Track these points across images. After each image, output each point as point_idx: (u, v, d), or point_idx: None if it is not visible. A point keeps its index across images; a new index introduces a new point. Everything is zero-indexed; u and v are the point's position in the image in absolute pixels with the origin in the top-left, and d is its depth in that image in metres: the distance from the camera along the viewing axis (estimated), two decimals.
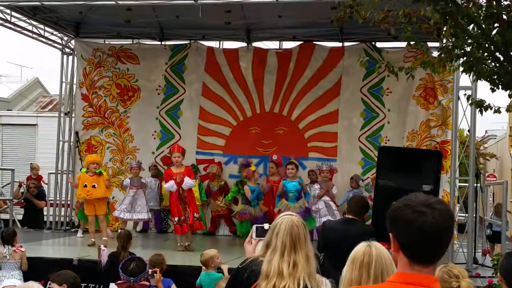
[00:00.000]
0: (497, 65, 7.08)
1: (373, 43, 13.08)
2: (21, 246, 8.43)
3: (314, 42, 13.41)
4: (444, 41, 9.24)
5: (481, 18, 6.66)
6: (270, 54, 13.59)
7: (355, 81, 13.09)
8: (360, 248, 3.30)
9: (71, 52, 14.10)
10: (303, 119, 13.28)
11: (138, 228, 13.04)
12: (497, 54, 6.94)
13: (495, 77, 7.06)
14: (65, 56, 14.11)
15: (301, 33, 13.40)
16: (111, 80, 13.87)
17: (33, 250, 9.37)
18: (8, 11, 12.16)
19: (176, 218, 10.32)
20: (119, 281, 5.96)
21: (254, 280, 3.43)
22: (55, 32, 13.78)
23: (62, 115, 14.06)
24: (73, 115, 14.00)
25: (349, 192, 12.05)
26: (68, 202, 13.77)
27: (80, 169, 13.41)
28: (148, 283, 6.07)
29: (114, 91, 13.84)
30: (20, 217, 14.49)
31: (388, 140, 12.85)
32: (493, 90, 7.19)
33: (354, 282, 3.18)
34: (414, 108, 12.73)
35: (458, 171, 10.50)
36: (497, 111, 7.46)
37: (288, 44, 13.91)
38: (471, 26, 7.10)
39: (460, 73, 9.13)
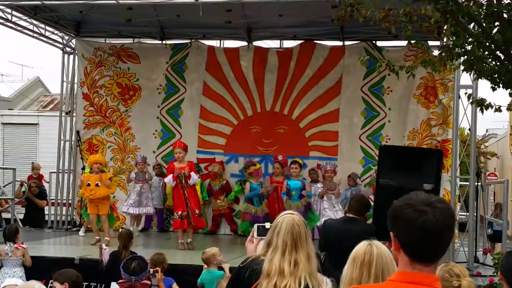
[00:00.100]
0: (498, 63, 7.08)
1: (374, 42, 13.08)
2: (23, 243, 8.46)
3: (314, 41, 13.41)
4: (445, 39, 9.24)
5: (482, 16, 6.66)
6: (270, 53, 13.59)
7: (356, 80, 13.09)
8: (361, 247, 3.31)
9: (72, 51, 14.10)
10: (304, 118, 13.28)
11: (140, 227, 13.03)
12: (498, 52, 6.94)
13: (496, 75, 7.06)
14: (66, 55, 14.11)
15: (301, 32, 13.40)
16: (112, 79, 13.87)
17: (34, 249, 9.38)
18: (9, 10, 12.16)
19: (179, 212, 10.37)
20: (120, 280, 5.96)
21: (255, 279, 3.44)
22: (56, 32, 13.77)
23: (63, 114, 14.07)
24: (74, 114, 14.01)
25: (347, 190, 12.09)
26: (70, 201, 13.78)
27: (82, 169, 13.51)
28: (149, 282, 6.07)
29: (115, 90, 13.85)
30: (21, 216, 14.52)
31: (389, 139, 12.85)
32: (493, 89, 7.19)
33: (355, 281, 3.19)
34: (415, 107, 12.73)
35: (459, 170, 10.49)
36: (498, 109, 7.46)
37: (288, 43, 13.91)
38: (471, 25, 7.10)
39: (461, 72, 9.13)
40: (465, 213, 12.46)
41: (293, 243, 3.41)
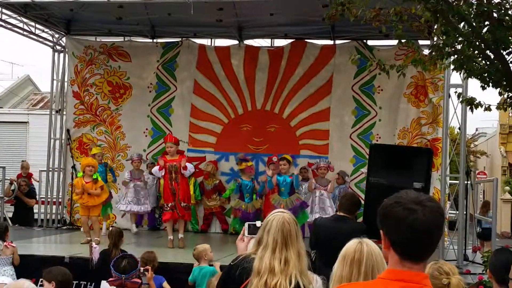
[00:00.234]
0: (488, 63, 7.12)
1: (365, 41, 13.11)
2: (12, 242, 8.42)
3: (305, 40, 13.42)
4: (435, 39, 9.25)
5: (472, 16, 6.69)
6: (261, 52, 13.59)
7: (347, 79, 13.11)
8: (351, 245, 3.32)
9: (62, 49, 14.05)
10: (294, 116, 13.30)
11: (127, 224, 12.94)
12: (488, 52, 6.98)
13: (486, 75, 7.10)
14: (56, 54, 14.06)
15: (292, 31, 13.41)
16: (102, 78, 13.84)
17: (24, 248, 9.36)
18: None
19: (170, 204, 10.43)
20: (110, 279, 5.96)
21: (246, 277, 3.45)
22: (46, 30, 13.73)
23: (53, 112, 14.02)
24: (64, 112, 13.96)
25: (336, 189, 12.12)
26: (60, 200, 13.74)
27: (72, 167, 13.47)
28: (139, 281, 6.08)
29: (105, 89, 13.81)
30: (10, 214, 14.45)
31: (380, 137, 12.89)
32: (483, 88, 7.23)
33: (345, 279, 3.20)
34: (405, 106, 12.77)
35: (448, 169, 10.54)
36: (488, 109, 7.51)
37: (279, 42, 13.92)
38: (461, 24, 7.13)
39: (451, 71, 9.13)
40: (454, 212, 12.50)
41: (284, 241, 3.41)
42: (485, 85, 7.17)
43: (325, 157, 12.67)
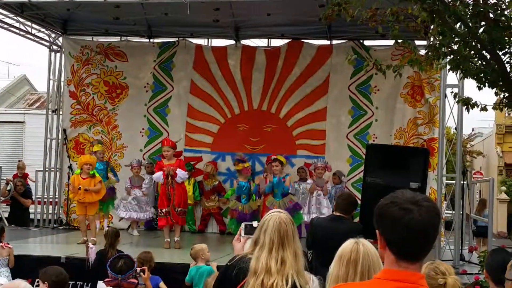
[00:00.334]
0: (484, 63, 7.13)
1: (361, 41, 13.12)
2: (8, 243, 8.40)
3: (302, 40, 13.43)
4: (432, 39, 9.28)
5: (468, 16, 6.70)
6: (258, 52, 13.59)
7: (343, 79, 13.12)
8: (348, 245, 3.32)
9: (59, 49, 14.03)
10: (291, 116, 13.30)
11: (124, 224, 12.94)
12: (484, 52, 6.99)
13: (482, 75, 7.11)
14: (52, 53, 14.04)
15: (289, 31, 13.41)
16: (99, 78, 13.83)
17: (20, 248, 9.34)
18: None
19: (164, 210, 10.41)
20: (107, 279, 5.95)
21: (243, 277, 3.44)
22: (42, 29, 13.70)
23: (49, 112, 14.00)
24: (60, 112, 13.94)
25: (332, 188, 12.12)
26: (56, 200, 13.71)
27: (69, 167, 13.43)
28: (136, 281, 6.07)
29: (102, 89, 13.80)
30: (6, 215, 14.42)
31: (376, 137, 12.90)
32: (479, 88, 7.24)
33: (341, 279, 3.20)
34: (402, 106, 12.79)
35: (445, 169, 10.55)
36: (484, 109, 7.52)
37: (276, 42, 13.91)
38: (458, 25, 7.14)
39: (447, 71, 9.18)
40: (451, 212, 12.54)
41: (280, 241, 3.41)
42: (481, 85, 7.18)
43: (321, 157, 12.68)
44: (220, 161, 13.34)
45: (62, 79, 13.95)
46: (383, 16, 7.04)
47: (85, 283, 8.53)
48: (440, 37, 7.03)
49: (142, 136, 13.72)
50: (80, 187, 10.56)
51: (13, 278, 7.47)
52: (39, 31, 13.70)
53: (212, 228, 13.35)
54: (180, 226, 10.84)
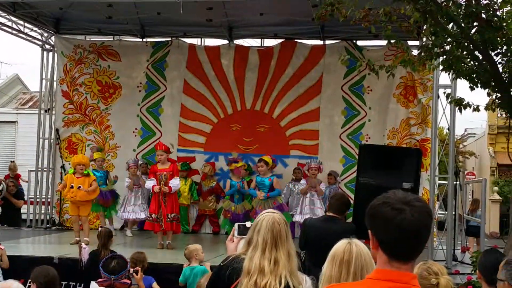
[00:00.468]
0: (476, 63, 7.17)
1: (354, 41, 13.14)
2: (0, 244, 8.36)
3: (295, 40, 13.44)
4: (424, 39, 9.31)
5: (461, 17, 6.73)
6: (251, 52, 13.58)
7: (336, 79, 13.14)
8: (341, 245, 3.32)
9: (52, 48, 13.99)
10: (284, 116, 13.30)
11: (118, 225, 12.92)
12: (476, 52, 7.02)
13: (474, 75, 7.15)
14: (45, 53, 13.99)
15: (282, 31, 13.41)
16: (92, 77, 13.79)
17: (13, 248, 9.30)
18: None
19: (154, 215, 10.39)
20: (99, 279, 5.92)
21: (236, 278, 3.44)
22: (35, 28, 13.65)
23: (42, 112, 13.95)
24: (53, 112, 13.90)
25: (326, 189, 12.13)
26: (49, 200, 13.66)
27: (61, 167, 13.39)
28: (129, 281, 6.05)
29: (95, 88, 13.76)
30: None
31: (369, 138, 12.92)
32: (472, 89, 7.28)
33: (334, 279, 3.20)
34: (395, 106, 12.81)
35: (437, 169, 10.58)
36: (476, 109, 7.55)
37: (269, 42, 13.92)
38: (450, 25, 7.17)
39: (440, 71, 9.18)
40: (443, 212, 12.55)
41: (274, 242, 3.41)
42: (474, 86, 7.22)
43: (315, 157, 12.68)
44: (213, 161, 13.32)
45: (55, 78, 13.90)
46: (376, 16, 7.05)
47: (78, 284, 8.50)
48: (433, 38, 7.06)
49: (135, 136, 13.69)
50: (72, 186, 10.53)
51: (5, 278, 7.44)
52: (32, 30, 13.64)
53: (205, 229, 13.33)
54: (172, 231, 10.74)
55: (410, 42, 11.02)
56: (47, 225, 13.43)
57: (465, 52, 7.08)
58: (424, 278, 3.67)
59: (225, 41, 13.76)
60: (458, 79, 8.18)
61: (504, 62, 7.18)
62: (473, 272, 7.88)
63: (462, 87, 9.84)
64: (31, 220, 13.51)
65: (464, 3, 6.69)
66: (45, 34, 13.94)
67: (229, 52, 13.60)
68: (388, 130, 12.80)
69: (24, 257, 9.10)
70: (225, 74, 13.52)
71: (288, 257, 3.42)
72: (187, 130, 13.52)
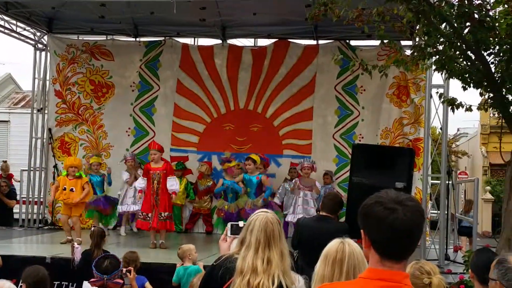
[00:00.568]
0: (469, 63, 7.19)
1: (347, 41, 13.17)
2: None
3: (288, 40, 13.45)
4: (417, 39, 9.34)
5: (453, 17, 6.74)
6: (245, 52, 13.59)
7: (330, 79, 13.16)
8: (333, 244, 3.32)
9: (44, 48, 13.94)
10: (277, 116, 13.31)
11: (112, 225, 12.90)
12: (469, 52, 7.04)
13: (467, 75, 7.17)
14: (38, 52, 13.95)
15: (276, 31, 13.42)
16: (85, 77, 13.75)
17: (5, 248, 9.29)
18: None
19: (145, 214, 10.39)
20: (92, 279, 5.91)
21: (229, 277, 3.44)
22: (27, 28, 13.61)
23: (35, 111, 13.91)
24: (46, 111, 13.86)
25: (322, 188, 12.13)
26: (41, 200, 13.62)
27: (54, 167, 13.36)
28: (121, 281, 6.03)
29: (88, 88, 13.73)
30: None
31: (362, 137, 12.94)
32: (464, 89, 7.30)
33: (326, 279, 3.20)
34: (388, 106, 12.85)
35: (430, 169, 10.60)
36: (469, 109, 7.57)
37: (263, 42, 13.93)
38: (443, 25, 7.19)
39: (433, 71, 9.19)
40: (436, 211, 12.59)
41: (267, 241, 3.41)
42: (466, 86, 7.24)
43: (308, 157, 12.70)
44: (206, 160, 13.30)
45: (48, 78, 13.86)
46: (369, 16, 7.06)
47: (71, 284, 8.47)
48: (426, 38, 7.07)
49: (128, 135, 13.67)
50: (65, 188, 10.51)
51: None
52: (24, 29, 13.60)
53: (198, 228, 13.32)
54: (166, 230, 10.71)
55: (403, 42, 11.04)
56: (40, 225, 13.40)
57: (457, 52, 7.10)
58: (416, 277, 3.68)
59: (219, 41, 13.76)
60: (451, 79, 8.20)
61: (496, 62, 7.20)
62: (465, 271, 7.90)
63: (455, 87, 9.88)
64: (23, 220, 13.47)
65: (456, 3, 6.70)
66: (38, 34, 13.90)
67: (222, 52, 13.60)
68: (381, 129, 12.83)
69: (17, 256, 9.05)
70: (219, 73, 13.51)
71: (281, 256, 3.42)
72: (180, 129, 13.51)
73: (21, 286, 5.46)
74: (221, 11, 12.43)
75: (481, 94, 7.66)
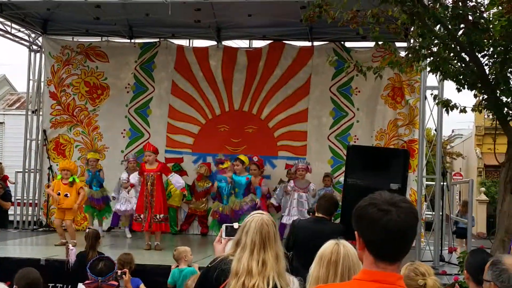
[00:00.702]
0: (463, 65, 7.21)
1: (342, 42, 13.17)
2: None
3: (283, 41, 13.45)
4: (412, 41, 9.36)
5: (448, 19, 6.77)
6: (240, 53, 13.59)
7: (324, 80, 13.16)
8: (328, 246, 3.33)
9: (39, 49, 13.91)
10: (272, 117, 13.31)
11: (106, 226, 12.87)
12: (463, 54, 7.07)
13: (461, 77, 7.19)
14: (32, 53, 13.91)
15: (271, 32, 13.43)
16: (79, 78, 13.73)
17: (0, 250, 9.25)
18: None
19: (137, 215, 10.38)
20: (87, 281, 5.90)
21: (224, 279, 3.44)
22: (22, 29, 13.57)
23: (29, 113, 13.87)
24: (40, 113, 13.82)
25: (321, 190, 12.11)
26: (36, 201, 13.58)
27: (49, 168, 13.33)
28: (116, 283, 6.02)
29: (83, 89, 13.71)
30: None
31: (357, 139, 12.95)
32: (459, 90, 7.32)
33: (321, 280, 3.21)
34: (382, 107, 12.86)
35: (425, 170, 10.62)
36: (463, 110, 7.59)
37: (258, 43, 13.94)
38: (437, 27, 7.21)
39: (427, 73, 9.25)
40: (431, 213, 12.60)
41: (262, 243, 3.41)
42: (461, 87, 7.26)
43: (303, 158, 12.69)
44: (201, 162, 13.29)
45: (42, 79, 13.83)
46: (364, 18, 7.08)
47: (65, 285, 8.45)
48: (420, 39, 7.09)
49: (124, 137, 13.65)
50: (59, 193, 10.51)
51: None
52: (19, 30, 13.57)
53: (193, 230, 13.31)
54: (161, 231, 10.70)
55: (398, 44, 11.07)
56: (34, 227, 13.35)
57: (452, 54, 7.12)
58: (411, 279, 3.69)
59: (214, 42, 13.75)
60: (445, 81, 8.23)
61: (490, 63, 7.24)
62: (460, 272, 7.92)
63: (449, 89, 9.91)
64: (18, 222, 13.42)
65: (451, 5, 6.73)
66: (33, 35, 13.87)
67: (217, 53, 13.60)
68: (376, 131, 12.85)
69: (11, 259, 9.04)
70: (213, 75, 13.51)
71: (276, 258, 3.42)
72: (175, 131, 13.50)
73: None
74: (216, 13, 12.43)
75: (475, 96, 7.69)
